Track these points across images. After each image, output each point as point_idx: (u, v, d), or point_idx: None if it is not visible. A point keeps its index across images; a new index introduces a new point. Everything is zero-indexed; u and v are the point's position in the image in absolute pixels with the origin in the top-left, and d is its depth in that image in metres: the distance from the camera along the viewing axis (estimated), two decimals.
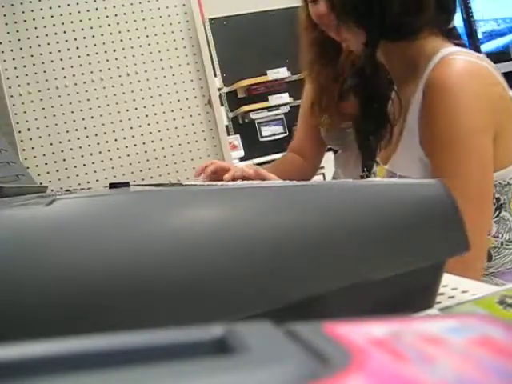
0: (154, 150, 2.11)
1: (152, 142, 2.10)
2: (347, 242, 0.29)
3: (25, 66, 2.02)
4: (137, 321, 0.23)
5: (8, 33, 2.02)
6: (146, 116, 2.10)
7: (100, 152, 2.07)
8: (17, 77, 2.01)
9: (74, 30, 2.06)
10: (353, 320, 0.14)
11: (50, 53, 2.04)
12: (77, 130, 2.05)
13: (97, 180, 2.06)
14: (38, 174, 2.00)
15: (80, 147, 2.05)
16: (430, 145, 0.76)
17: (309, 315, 0.27)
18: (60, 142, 2.04)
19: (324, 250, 0.28)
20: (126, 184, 0.60)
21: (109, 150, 2.07)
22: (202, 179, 1.24)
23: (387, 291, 0.31)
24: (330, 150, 1.54)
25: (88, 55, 2.07)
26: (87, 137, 2.06)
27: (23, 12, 2.03)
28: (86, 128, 2.06)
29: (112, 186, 0.60)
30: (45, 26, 2.04)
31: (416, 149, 0.79)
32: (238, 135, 3.25)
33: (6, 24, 2.01)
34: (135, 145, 2.09)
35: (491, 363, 0.11)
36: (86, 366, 0.11)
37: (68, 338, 0.12)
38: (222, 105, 2.60)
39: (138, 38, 2.11)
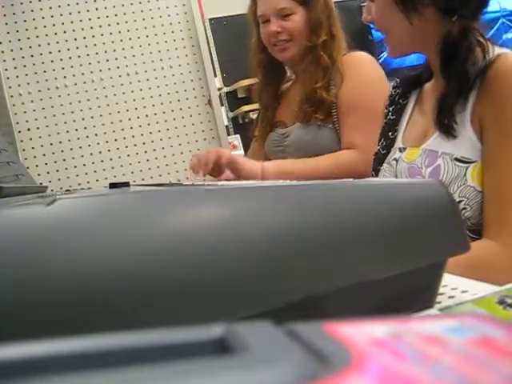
0: (154, 150, 2.11)
1: (152, 141, 2.11)
2: (347, 241, 0.29)
3: (25, 66, 2.03)
4: (137, 321, 0.23)
5: (8, 33, 2.02)
6: (146, 116, 2.10)
7: (100, 152, 2.07)
8: (17, 77, 2.02)
9: (74, 30, 2.06)
10: (353, 320, 0.14)
11: (50, 53, 2.04)
12: (77, 130, 2.05)
13: (97, 180, 2.06)
14: (38, 174, 2.00)
15: (80, 147, 2.06)
16: (494, 130, 0.78)
17: (309, 315, 0.27)
18: (60, 142, 2.04)
19: (324, 250, 0.28)
20: (126, 184, 0.60)
21: (109, 150, 2.07)
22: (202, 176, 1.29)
23: (387, 291, 0.31)
24: None
25: (88, 55, 2.07)
26: (87, 137, 2.06)
27: (23, 12, 2.03)
28: (86, 128, 2.06)
29: (112, 185, 0.60)
30: (45, 26, 2.04)
31: (465, 128, 0.81)
32: (237, 135, 3.25)
33: (6, 24, 2.02)
34: (135, 145, 2.09)
35: (491, 363, 0.11)
36: (86, 366, 0.11)
37: (68, 338, 0.12)
38: (222, 105, 2.60)
39: (138, 38, 2.11)
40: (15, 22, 2.03)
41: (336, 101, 1.33)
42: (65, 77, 2.06)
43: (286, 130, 1.43)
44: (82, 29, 2.07)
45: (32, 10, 2.04)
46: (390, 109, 1.01)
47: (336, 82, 1.34)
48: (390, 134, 0.99)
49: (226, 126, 2.41)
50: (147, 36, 2.12)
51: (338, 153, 1.32)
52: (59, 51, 2.05)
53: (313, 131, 1.36)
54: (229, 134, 2.72)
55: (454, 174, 0.80)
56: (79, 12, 2.07)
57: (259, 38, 1.45)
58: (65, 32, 2.06)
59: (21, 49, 2.03)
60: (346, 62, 1.35)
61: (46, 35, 2.05)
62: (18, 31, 2.03)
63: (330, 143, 1.34)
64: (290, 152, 1.39)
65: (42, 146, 2.05)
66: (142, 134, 2.12)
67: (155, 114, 2.13)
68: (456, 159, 0.80)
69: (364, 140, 1.28)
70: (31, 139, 2.03)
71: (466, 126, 0.80)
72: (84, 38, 2.07)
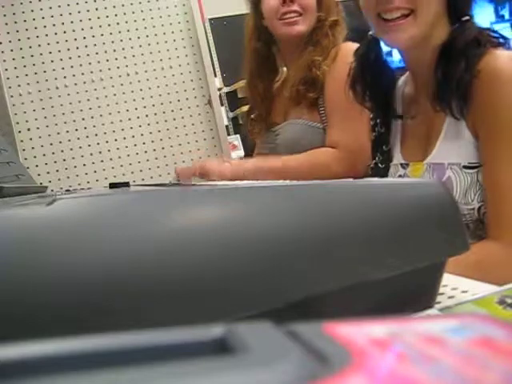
0: (154, 150, 2.11)
1: (152, 142, 2.11)
2: (347, 241, 0.29)
3: (25, 66, 2.03)
4: (137, 321, 0.23)
5: (8, 33, 2.02)
6: (146, 116, 2.10)
7: (100, 152, 2.07)
8: (17, 77, 2.02)
9: (73, 30, 2.06)
10: (353, 320, 0.14)
11: (50, 53, 2.04)
12: (77, 129, 2.05)
13: (97, 180, 2.06)
14: (38, 174, 2.00)
15: (80, 147, 2.06)
16: (487, 131, 0.78)
17: (309, 315, 0.27)
18: (60, 142, 2.04)
19: (324, 250, 0.28)
20: (126, 184, 0.60)
21: (109, 150, 2.07)
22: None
23: (387, 291, 0.31)
24: None
25: (88, 55, 2.07)
26: (87, 137, 2.06)
27: (23, 12, 2.03)
28: (85, 128, 2.06)
29: (112, 185, 0.60)
30: (45, 26, 2.04)
31: (463, 133, 0.80)
32: (237, 135, 3.25)
33: (6, 24, 2.02)
34: (135, 145, 2.09)
35: (491, 363, 0.11)
36: (86, 366, 0.11)
37: (68, 337, 0.12)
38: (222, 105, 2.60)
39: (138, 38, 2.11)
40: (15, 22, 2.03)
41: (324, 95, 1.29)
42: (65, 77, 2.05)
43: (276, 128, 1.40)
44: (82, 29, 2.07)
45: (32, 10, 2.04)
46: (378, 121, 1.00)
47: (327, 65, 1.29)
48: (384, 147, 0.98)
49: (226, 126, 2.41)
50: (147, 36, 2.12)
51: (315, 151, 1.29)
52: (59, 51, 2.05)
53: (301, 130, 1.33)
54: (229, 134, 2.72)
55: (467, 183, 0.79)
56: (79, 12, 2.07)
57: (258, 19, 1.36)
58: (65, 32, 2.06)
59: (21, 49, 2.03)
60: (341, 49, 1.31)
61: (46, 35, 2.04)
62: (18, 31, 2.03)
63: (318, 142, 1.31)
64: (280, 150, 1.37)
65: (42, 146, 2.04)
66: (142, 134, 2.12)
67: (155, 114, 2.13)
68: (464, 167, 0.80)
69: (345, 138, 1.25)
70: (31, 139, 2.03)
71: (464, 130, 0.80)
72: (84, 38, 2.07)
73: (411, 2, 0.79)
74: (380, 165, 0.98)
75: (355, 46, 1.33)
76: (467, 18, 0.82)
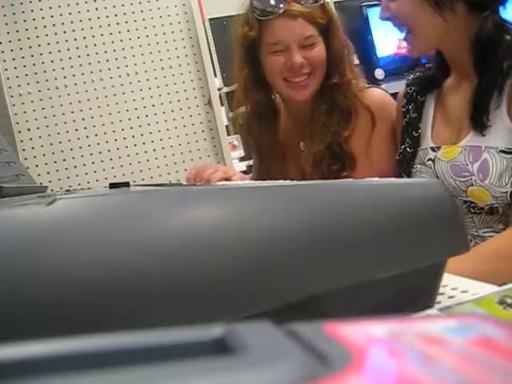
0: (154, 150, 2.11)
1: (152, 142, 2.10)
2: (347, 241, 0.29)
3: (25, 66, 2.02)
4: (137, 321, 0.23)
5: (8, 33, 2.02)
6: (146, 116, 2.10)
7: (100, 152, 2.07)
8: (17, 77, 2.01)
9: (73, 30, 2.06)
10: (353, 320, 0.14)
11: (50, 53, 2.04)
12: (77, 130, 2.05)
13: (97, 180, 2.06)
14: (38, 174, 2.00)
15: (80, 147, 2.06)
16: None
17: (309, 315, 0.27)
18: (60, 142, 2.04)
19: (324, 250, 0.28)
20: (126, 184, 0.60)
21: (109, 150, 2.07)
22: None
23: (387, 291, 0.31)
24: None
25: (88, 55, 2.07)
26: (87, 137, 2.06)
27: (23, 12, 2.03)
28: (86, 128, 2.06)
29: (112, 186, 0.60)
30: (45, 26, 2.04)
31: (503, 120, 0.83)
32: (237, 135, 3.25)
33: (6, 24, 2.01)
34: (135, 145, 2.09)
35: (491, 363, 0.11)
36: (86, 366, 0.11)
37: (68, 337, 0.12)
38: (222, 105, 2.59)
39: (138, 38, 2.11)
40: (15, 22, 2.03)
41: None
42: (65, 77, 2.05)
43: None
44: (82, 29, 2.07)
45: (32, 10, 2.04)
46: (410, 107, 1.02)
47: (360, 125, 1.09)
48: (413, 132, 0.99)
49: (226, 126, 2.41)
50: (147, 36, 2.12)
51: None
52: (59, 51, 2.05)
53: None
54: (229, 134, 2.72)
55: (503, 166, 0.82)
56: (79, 12, 2.07)
57: (259, 71, 1.13)
58: (65, 32, 2.06)
59: (21, 49, 2.03)
60: (375, 103, 1.09)
61: (46, 35, 2.04)
62: (18, 31, 2.03)
63: None
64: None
65: (42, 146, 2.04)
66: (142, 134, 2.12)
67: (155, 114, 2.13)
68: (502, 151, 0.82)
69: None
70: (31, 139, 2.03)
71: (504, 119, 0.82)
72: (84, 38, 2.07)
73: (404, 23, 0.89)
74: (408, 149, 1.00)
75: (380, 95, 1.14)
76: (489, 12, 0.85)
